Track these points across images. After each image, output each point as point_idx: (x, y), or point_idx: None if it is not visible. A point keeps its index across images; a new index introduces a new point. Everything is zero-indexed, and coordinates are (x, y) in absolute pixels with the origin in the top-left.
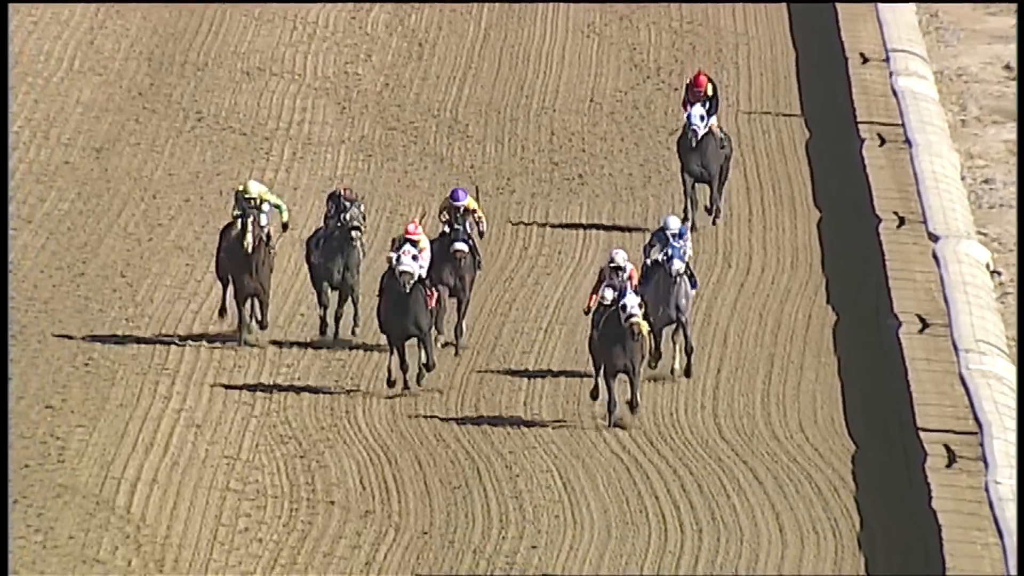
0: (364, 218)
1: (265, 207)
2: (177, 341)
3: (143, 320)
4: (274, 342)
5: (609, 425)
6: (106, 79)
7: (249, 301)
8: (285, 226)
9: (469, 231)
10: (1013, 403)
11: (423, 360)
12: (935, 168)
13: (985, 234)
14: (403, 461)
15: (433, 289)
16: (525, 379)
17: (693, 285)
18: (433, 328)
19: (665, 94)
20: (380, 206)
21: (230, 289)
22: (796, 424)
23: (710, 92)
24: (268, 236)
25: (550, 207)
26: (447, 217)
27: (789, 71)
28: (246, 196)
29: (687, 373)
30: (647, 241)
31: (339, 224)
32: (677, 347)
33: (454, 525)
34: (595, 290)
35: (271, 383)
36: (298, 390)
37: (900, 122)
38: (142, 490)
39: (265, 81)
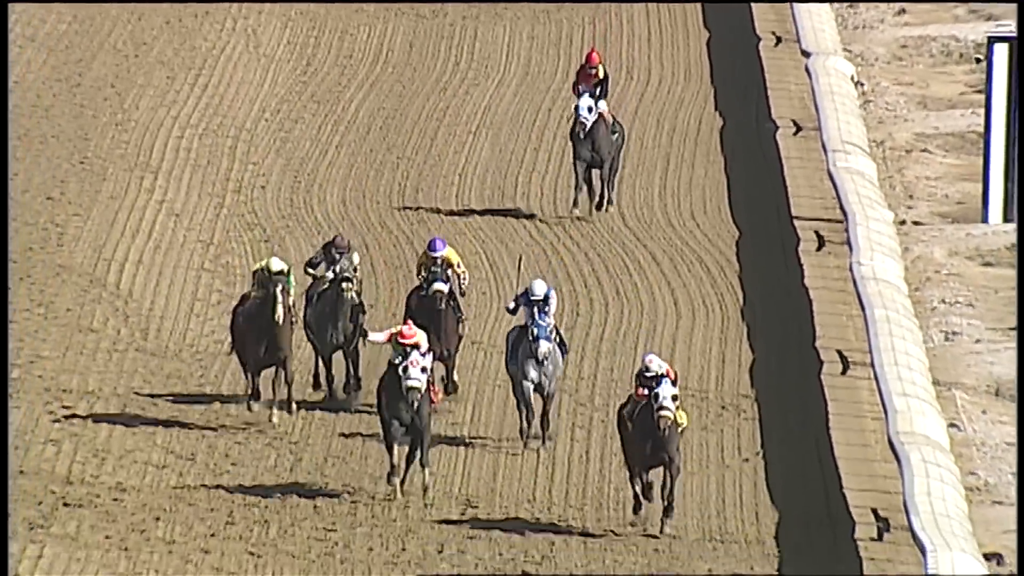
0: (356, 269)
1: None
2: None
3: (130, 125)
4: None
5: (638, 523)
6: None
7: (273, 370)
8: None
9: (450, 279)
10: (874, 195)
11: (420, 458)
12: None
13: (850, 51)
14: (352, 243)
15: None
16: (456, 176)
17: (564, 352)
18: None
19: None
20: (332, 27)
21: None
22: (688, 213)
23: (601, 74)
24: (290, 307)
25: (478, 28)
26: (426, 273)
27: None
28: (269, 271)
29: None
30: (512, 301)
31: (332, 276)
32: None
33: (397, 299)
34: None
35: (240, 178)
36: (263, 185)
37: None
38: (129, 270)
39: None
